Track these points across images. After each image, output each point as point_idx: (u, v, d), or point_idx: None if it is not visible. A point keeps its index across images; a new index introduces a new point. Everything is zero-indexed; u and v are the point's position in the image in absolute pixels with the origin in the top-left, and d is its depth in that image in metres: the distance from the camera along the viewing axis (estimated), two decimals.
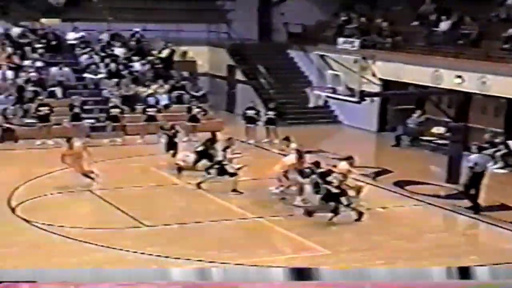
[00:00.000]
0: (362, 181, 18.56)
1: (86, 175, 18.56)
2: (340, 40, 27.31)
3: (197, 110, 26.21)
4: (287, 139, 20.21)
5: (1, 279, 10.10)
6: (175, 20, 31.39)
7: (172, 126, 21.67)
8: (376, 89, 22.71)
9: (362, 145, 25.53)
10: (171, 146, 21.11)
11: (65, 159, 18.58)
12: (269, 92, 29.70)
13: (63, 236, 14.82)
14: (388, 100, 27.67)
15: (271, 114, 25.65)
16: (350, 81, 19.73)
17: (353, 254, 14.23)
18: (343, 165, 17.46)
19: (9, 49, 27.68)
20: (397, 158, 23.64)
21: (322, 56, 20.66)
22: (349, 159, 17.75)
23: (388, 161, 22.75)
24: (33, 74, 26.66)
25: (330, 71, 20.48)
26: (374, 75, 19.48)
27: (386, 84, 25.48)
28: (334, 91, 19.45)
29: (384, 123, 27.78)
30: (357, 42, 26.33)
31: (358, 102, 18.95)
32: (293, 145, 19.24)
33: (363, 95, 18.80)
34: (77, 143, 18.94)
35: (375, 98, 23.40)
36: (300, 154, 17.91)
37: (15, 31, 28.93)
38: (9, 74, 26.54)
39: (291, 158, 17.97)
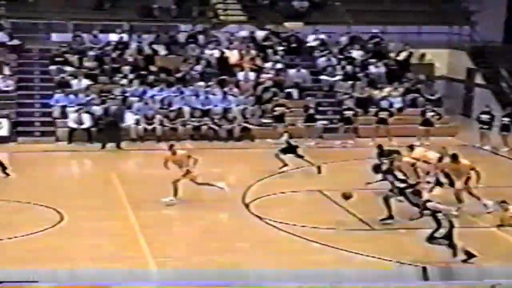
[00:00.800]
0: None
1: (200, 183, 17.40)
2: None
3: (431, 113, 25.68)
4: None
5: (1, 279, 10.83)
6: (415, 22, 31.02)
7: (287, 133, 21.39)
8: None
9: None
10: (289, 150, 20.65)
11: (167, 165, 17.69)
12: (509, 97, 28.31)
13: (292, 234, 15.23)
14: None
15: (506, 120, 24.49)
16: None
17: None
18: None
19: (253, 52, 29.08)
20: None
21: None
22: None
23: None
24: (272, 76, 27.83)
25: None
26: None
27: None
28: None
29: None
30: None
31: None
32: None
33: None
34: (180, 150, 18.02)
35: None
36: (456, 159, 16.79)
37: (260, 34, 30.27)
38: (251, 75, 27.89)
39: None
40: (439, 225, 13.46)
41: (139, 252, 14.06)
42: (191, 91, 26.60)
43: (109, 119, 24.46)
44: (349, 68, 28.54)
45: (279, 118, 25.47)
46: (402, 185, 15.87)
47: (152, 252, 13.97)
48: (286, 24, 31.15)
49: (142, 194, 17.89)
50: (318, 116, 25.89)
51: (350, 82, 27.87)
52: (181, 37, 29.60)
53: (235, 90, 26.91)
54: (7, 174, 19.57)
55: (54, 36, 29.05)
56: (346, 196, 16.28)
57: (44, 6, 29.71)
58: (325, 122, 26.01)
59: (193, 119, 25.57)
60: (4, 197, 17.39)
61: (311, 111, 25.78)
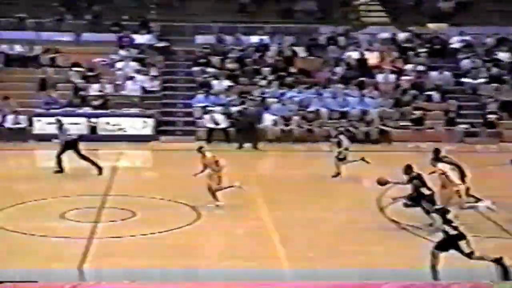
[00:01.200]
0: None
1: (211, 191, 16.98)
2: None
3: None
4: None
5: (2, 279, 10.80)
6: None
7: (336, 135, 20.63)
8: None
9: None
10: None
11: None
12: None
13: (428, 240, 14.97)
14: None
15: None
16: None
17: None
18: None
19: (395, 54, 28.72)
20: None
21: None
22: None
23: None
24: (412, 78, 27.34)
25: None
26: None
27: None
28: None
29: None
30: None
31: None
32: None
33: None
34: (209, 153, 17.36)
35: None
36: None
37: (402, 36, 29.90)
38: (391, 77, 27.54)
39: None
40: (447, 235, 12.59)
41: (273, 252, 14.16)
42: (329, 92, 26.63)
43: (247, 119, 24.91)
44: (494, 70, 27.59)
45: (418, 121, 25.02)
46: (428, 192, 15.45)
47: (287, 253, 14.04)
48: (430, 25, 30.60)
49: (278, 195, 18.06)
50: (459, 120, 25.23)
51: (494, 85, 26.95)
52: (322, 39, 29.70)
53: (374, 92, 26.67)
54: (100, 170, 19.77)
55: (199, 38, 29.95)
56: (381, 183, 16.36)
57: (191, 9, 30.74)
58: (466, 126, 25.30)
59: (330, 121, 25.59)
60: (145, 194, 18.06)
61: (452, 114, 25.17)
